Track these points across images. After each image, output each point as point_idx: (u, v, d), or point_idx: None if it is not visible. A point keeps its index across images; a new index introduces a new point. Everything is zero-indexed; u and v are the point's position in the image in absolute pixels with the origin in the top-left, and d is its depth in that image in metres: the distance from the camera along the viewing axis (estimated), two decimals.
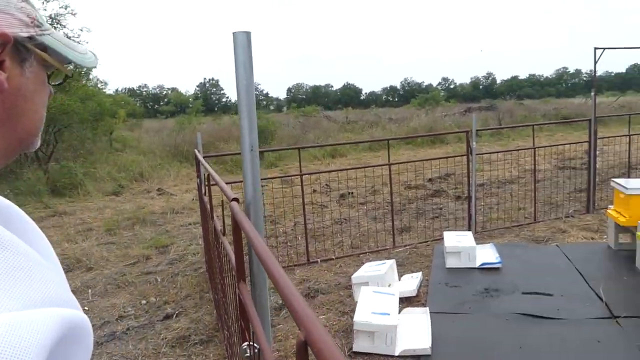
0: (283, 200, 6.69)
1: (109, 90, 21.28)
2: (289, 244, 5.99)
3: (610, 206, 5.03)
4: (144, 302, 4.44)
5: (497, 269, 4.49)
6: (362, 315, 3.31)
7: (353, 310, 3.52)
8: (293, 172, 9.82)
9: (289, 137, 16.49)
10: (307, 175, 9.03)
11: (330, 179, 8.93)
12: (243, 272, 1.70)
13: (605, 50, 6.30)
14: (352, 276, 4.20)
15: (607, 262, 4.58)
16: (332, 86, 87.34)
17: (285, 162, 13.26)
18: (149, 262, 5.59)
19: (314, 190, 8.70)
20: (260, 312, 1.80)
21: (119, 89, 53.41)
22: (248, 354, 1.54)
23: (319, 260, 5.25)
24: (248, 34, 1.59)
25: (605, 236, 5.28)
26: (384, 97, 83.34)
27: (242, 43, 1.62)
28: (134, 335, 3.79)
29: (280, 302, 4.19)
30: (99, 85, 15.24)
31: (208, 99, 67.29)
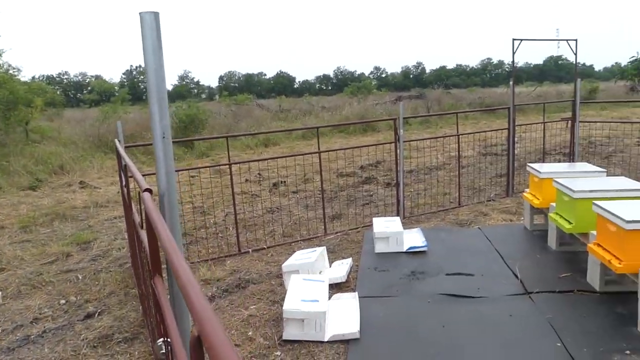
0: (212, 191, 6.55)
1: (24, 77, 19.73)
2: (220, 234, 5.87)
3: (526, 190, 5.35)
4: (62, 302, 4.19)
5: (423, 252, 4.65)
6: (292, 303, 3.31)
7: (284, 299, 3.51)
8: (225, 161, 9.64)
9: (220, 126, 16.14)
10: (238, 165, 8.90)
11: (262, 168, 8.84)
12: (158, 265, 1.62)
13: (523, 41, 6.65)
14: (283, 265, 4.19)
15: (523, 242, 4.87)
16: (265, 74, 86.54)
17: (217, 151, 12.98)
18: (69, 260, 5.28)
19: (246, 180, 8.58)
20: (179, 306, 1.73)
21: (36, 77, 49.88)
22: (163, 350, 1.48)
23: (250, 250, 5.19)
24: (156, 14, 1.51)
25: (522, 218, 5.61)
26: (318, 85, 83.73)
27: (150, 24, 1.53)
28: (50, 337, 3.57)
29: (210, 294, 4.11)
30: (10, 72, 14.06)
31: (135, 87, 64.35)
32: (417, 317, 3.41)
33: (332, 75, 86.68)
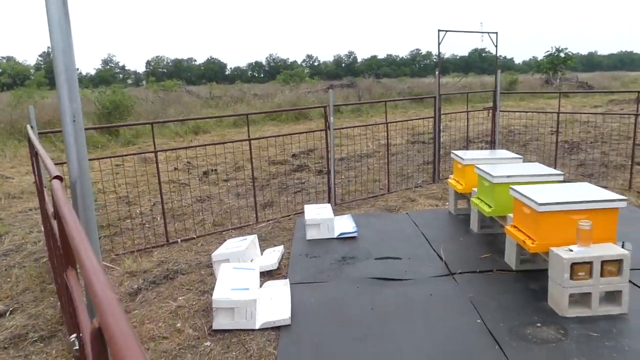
0: (138, 180, 6.28)
1: None
2: (146, 225, 5.65)
3: (451, 176, 5.58)
4: None
5: (353, 238, 4.73)
6: (222, 292, 3.25)
7: (214, 289, 3.44)
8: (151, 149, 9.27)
9: (147, 113, 15.49)
10: (166, 153, 8.59)
11: (192, 157, 8.60)
12: (71, 257, 1.52)
13: (450, 34, 6.88)
14: (213, 254, 4.10)
15: (447, 226, 5.09)
16: (195, 60, 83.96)
17: (143, 139, 12.46)
18: None
19: (175, 169, 8.30)
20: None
21: None
22: (77, 346, 1.39)
23: (179, 240, 5.04)
24: None
25: (447, 203, 5.86)
26: (250, 72, 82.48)
27: (56, 0, 1.41)
28: None
29: (136, 286, 3.95)
30: None
31: (53, 71, 60.08)
32: (347, 301, 3.47)
33: (264, 63, 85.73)
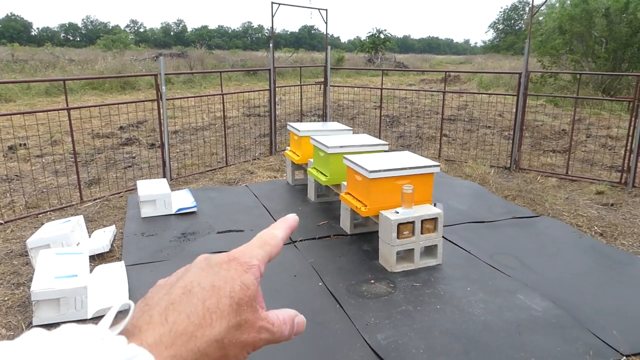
0: None
1: None
2: None
3: (287, 148, 5.71)
4: None
5: (193, 213, 4.57)
6: (42, 283, 2.87)
7: (32, 280, 3.01)
8: None
9: None
10: None
11: None
12: None
13: (282, 8, 6.93)
14: (28, 240, 3.58)
15: (286, 196, 5.22)
16: None
17: None
18: None
19: None
20: None
21: None
22: None
23: None
24: None
25: (285, 174, 6.00)
26: (63, 35, 73.09)
27: None
28: None
29: None
30: None
31: None
32: None
33: (80, 25, 76.67)
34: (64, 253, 3.28)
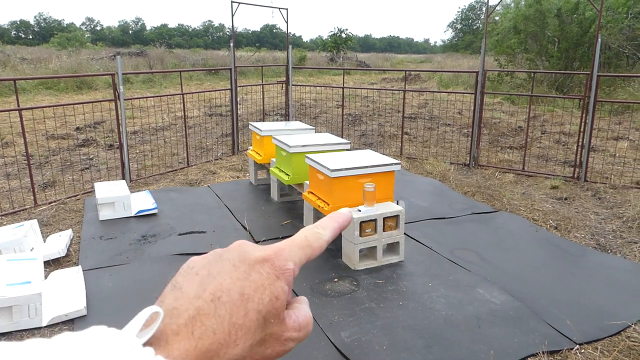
0: None
1: None
2: None
3: (250, 147, 5.67)
4: None
5: (154, 214, 4.48)
6: None
7: None
8: None
9: None
10: None
11: None
12: None
13: (242, 8, 6.87)
14: None
15: (249, 196, 5.19)
16: None
17: None
18: None
19: None
20: None
21: None
22: None
23: None
24: None
25: (247, 174, 5.95)
26: (14, 32, 70.15)
27: None
28: None
29: None
30: None
31: None
32: (151, 282, 3.29)
33: (32, 22, 73.78)
34: (16, 259, 3.16)
